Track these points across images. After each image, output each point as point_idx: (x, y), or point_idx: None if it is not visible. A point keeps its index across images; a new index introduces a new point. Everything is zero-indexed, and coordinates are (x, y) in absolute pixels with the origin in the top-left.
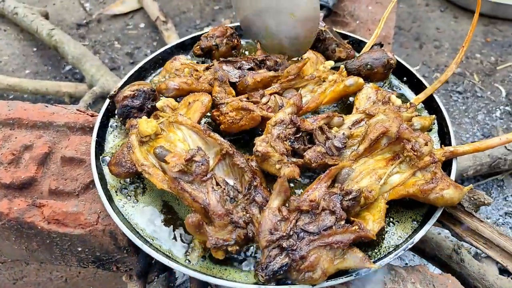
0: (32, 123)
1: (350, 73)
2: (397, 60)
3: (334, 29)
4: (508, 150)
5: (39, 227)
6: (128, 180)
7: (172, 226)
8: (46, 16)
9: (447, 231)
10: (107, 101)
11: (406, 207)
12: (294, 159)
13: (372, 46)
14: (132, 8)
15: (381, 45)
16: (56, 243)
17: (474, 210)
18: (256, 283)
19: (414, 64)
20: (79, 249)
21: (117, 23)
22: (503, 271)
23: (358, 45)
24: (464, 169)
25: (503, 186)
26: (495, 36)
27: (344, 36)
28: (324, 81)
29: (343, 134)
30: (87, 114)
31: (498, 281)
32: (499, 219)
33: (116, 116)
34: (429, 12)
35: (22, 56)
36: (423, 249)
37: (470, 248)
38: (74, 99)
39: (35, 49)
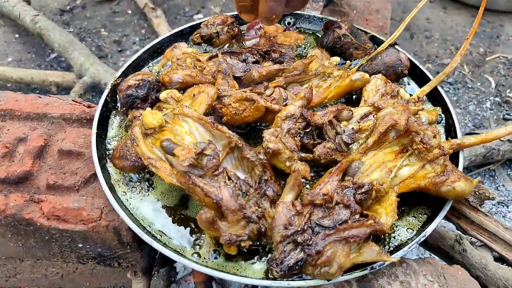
0: (25, 115)
1: None
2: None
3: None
4: (501, 141)
5: (39, 224)
6: (132, 174)
7: (180, 221)
8: (28, 1)
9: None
10: (106, 91)
11: (415, 201)
12: (303, 154)
13: (387, 46)
14: None
15: (395, 44)
16: (56, 240)
17: (479, 205)
18: (270, 279)
19: None
20: (80, 245)
21: (102, 10)
22: (498, 259)
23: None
24: None
25: (494, 176)
26: (484, 27)
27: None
28: (329, 76)
29: (352, 128)
30: (83, 105)
31: (500, 270)
32: (492, 208)
33: (117, 107)
34: (418, 3)
35: (3, 43)
36: (426, 240)
37: (470, 238)
38: (61, 88)
39: (17, 35)
